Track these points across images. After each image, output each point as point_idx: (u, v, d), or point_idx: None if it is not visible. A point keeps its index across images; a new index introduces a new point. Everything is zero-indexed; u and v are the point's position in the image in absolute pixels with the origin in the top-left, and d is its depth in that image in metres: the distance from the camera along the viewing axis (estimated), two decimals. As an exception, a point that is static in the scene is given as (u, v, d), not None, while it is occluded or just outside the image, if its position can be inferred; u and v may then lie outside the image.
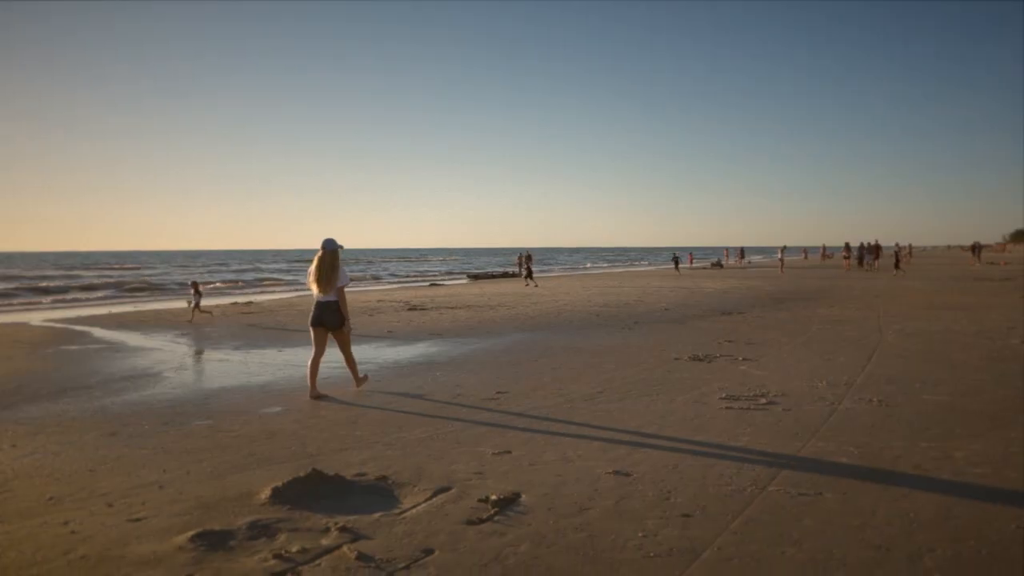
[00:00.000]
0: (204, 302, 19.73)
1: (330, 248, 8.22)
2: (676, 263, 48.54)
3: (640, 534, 4.01)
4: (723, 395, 7.65)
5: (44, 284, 41.93)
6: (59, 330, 16.40)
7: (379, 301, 23.27)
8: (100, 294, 35.05)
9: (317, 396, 8.06)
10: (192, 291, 19.07)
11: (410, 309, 19.77)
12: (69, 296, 33.75)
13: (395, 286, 38.40)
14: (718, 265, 58.20)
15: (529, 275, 33.51)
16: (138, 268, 72.01)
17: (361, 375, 8.65)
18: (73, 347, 13.22)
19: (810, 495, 4.59)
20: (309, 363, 8.24)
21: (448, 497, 4.67)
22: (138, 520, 4.36)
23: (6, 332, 16.10)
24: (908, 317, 15.35)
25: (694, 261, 65.72)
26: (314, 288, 8.22)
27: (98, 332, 15.83)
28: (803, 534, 3.98)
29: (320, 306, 8.20)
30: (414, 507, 4.51)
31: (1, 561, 3.81)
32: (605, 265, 72.61)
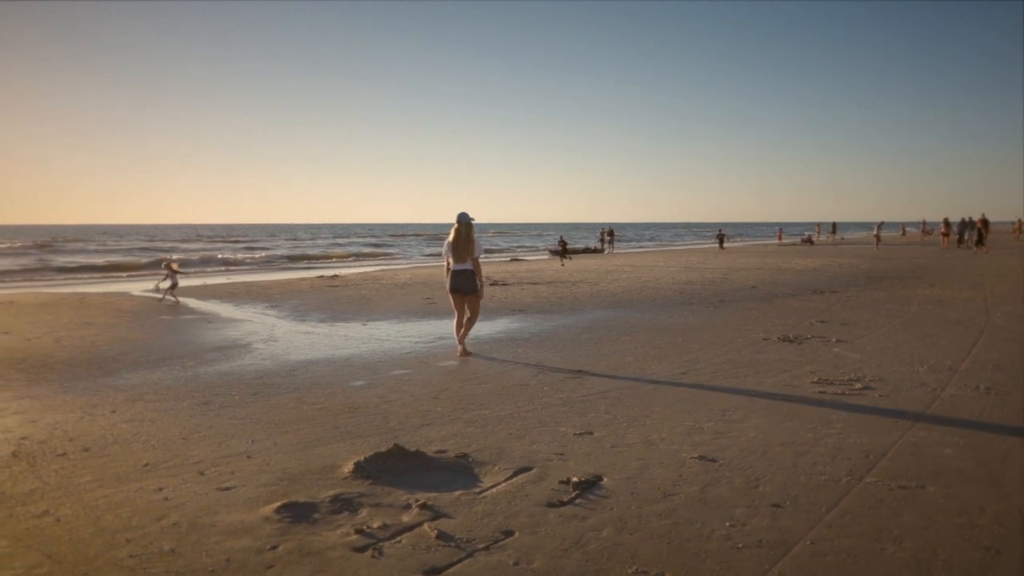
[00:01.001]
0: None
1: (464, 221, 9.04)
2: (721, 240, 46.41)
3: (727, 523, 3.86)
4: (815, 379, 7.34)
5: (129, 259, 43.91)
6: (157, 300, 17.10)
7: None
8: (192, 269, 36.48)
9: (464, 354, 8.98)
10: (167, 270, 17.36)
11: (491, 284, 19.81)
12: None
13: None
14: (808, 241, 56.30)
15: (564, 253, 32.42)
16: (235, 241, 74.60)
17: (468, 350, 9.24)
18: (169, 317, 13.77)
19: (911, 488, 4.33)
20: (453, 324, 9.40)
21: (528, 477, 4.61)
22: (227, 489, 4.47)
23: (110, 301, 16.89)
24: (1018, 298, 14.45)
25: (783, 237, 63.76)
26: (452, 258, 9.03)
27: (193, 303, 16.45)
28: (904, 531, 3.75)
29: (456, 274, 9.05)
30: (494, 486, 4.47)
31: (100, 524, 3.96)
32: (650, 244, 70.63)
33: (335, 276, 24.70)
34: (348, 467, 4.74)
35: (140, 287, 22.16)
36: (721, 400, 6.56)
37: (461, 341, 9.13)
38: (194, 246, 62.16)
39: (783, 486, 4.40)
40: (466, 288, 9.01)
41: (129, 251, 53.15)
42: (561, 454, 5.07)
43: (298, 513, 4.05)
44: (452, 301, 9.23)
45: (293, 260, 41.77)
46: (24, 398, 7.10)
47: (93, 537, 3.79)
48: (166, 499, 4.33)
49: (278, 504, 4.15)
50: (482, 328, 11.53)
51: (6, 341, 10.69)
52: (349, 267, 34.62)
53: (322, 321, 12.93)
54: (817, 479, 4.51)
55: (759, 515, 3.97)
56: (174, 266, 17.68)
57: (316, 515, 4.04)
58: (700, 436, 5.45)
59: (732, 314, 12.83)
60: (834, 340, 9.70)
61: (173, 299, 16.71)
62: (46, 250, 53.63)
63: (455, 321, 9.26)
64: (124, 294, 19.41)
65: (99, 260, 39.77)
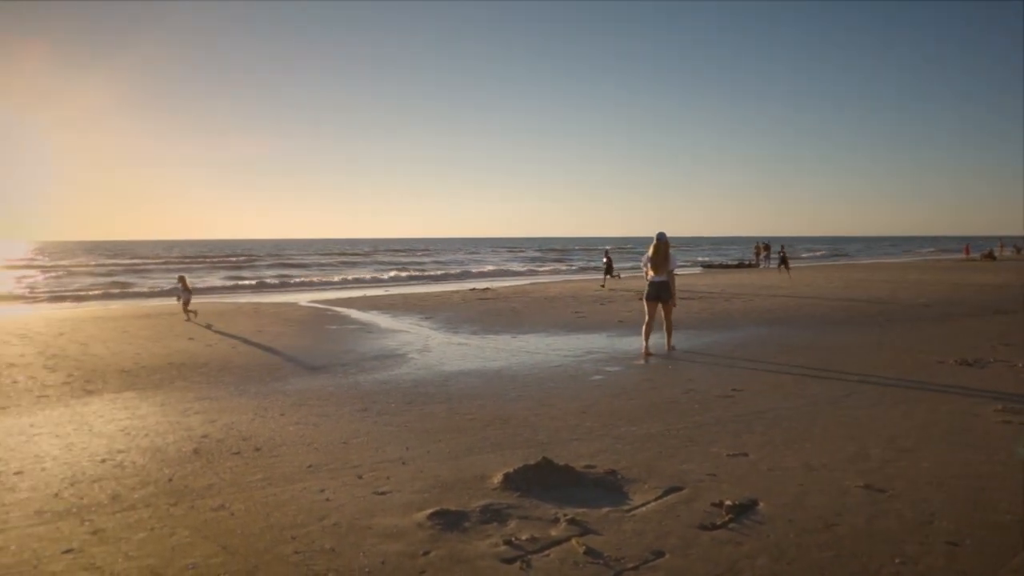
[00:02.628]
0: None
1: (663, 239, 10.25)
2: (784, 261, 31.91)
3: (897, 560, 3.58)
4: (999, 406, 6.71)
5: (299, 275, 46.70)
6: (321, 311, 18.13)
7: (611, 290, 23.28)
8: (336, 278, 38.38)
9: (647, 354, 10.09)
10: (180, 287, 17.07)
11: (640, 299, 19.56)
12: (331, 279, 37.36)
13: (627, 275, 38.27)
14: (990, 257, 51.75)
15: (608, 271, 26.50)
16: (411, 255, 78.05)
17: (672, 345, 10.61)
18: (333, 327, 14.56)
19: (1117, 534, 3.85)
20: (643, 328, 10.37)
21: (679, 498, 4.49)
22: (383, 493, 4.64)
23: (279, 311, 18.08)
24: None
25: (971, 252, 58.85)
26: (649, 270, 10.35)
27: (354, 314, 17.30)
28: (1109, 581, 3.34)
29: (654, 285, 10.34)
30: (644, 505, 4.38)
31: (269, 520, 4.22)
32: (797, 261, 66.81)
33: (486, 289, 25.23)
34: (498, 478, 4.80)
35: (307, 298, 23.59)
36: (889, 426, 6.13)
37: (647, 339, 10.30)
38: (383, 258, 65.83)
39: (962, 522, 4.04)
40: (663, 297, 10.26)
41: (299, 265, 56.78)
42: (713, 475, 4.90)
43: (449, 521, 4.14)
44: (647, 307, 10.41)
45: (464, 277, 43.01)
46: (205, 399, 7.70)
47: (262, 532, 4.05)
48: (327, 500, 4.55)
49: (430, 511, 4.26)
50: (633, 343, 11.39)
51: (190, 346, 11.67)
52: (503, 280, 35.27)
53: (474, 333, 13.23)
54: (1002, 518, 4.11)
55: (933, 553, 3.66)
56: (186, 282, 17.31)
57: (466, 524, 4.11)
58: (866, 463, 5.11)
59: (901, 334, 11.99)
60: (1021, 365, 8.84)
61: (193, 312, 16.31)
62: (227, 265, 58.28)
63: (645, 325, 10.36)
64: (292, 304, 20.71)
65: (281, 273, 42.72)
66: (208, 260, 64.55)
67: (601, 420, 6.51)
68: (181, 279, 17.47)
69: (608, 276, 26.71)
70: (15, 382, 8.77)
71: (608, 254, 28.10)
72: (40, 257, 77.33)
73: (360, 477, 4.99)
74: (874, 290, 21.74)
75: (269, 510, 4.39)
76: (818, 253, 75.87)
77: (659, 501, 4.44)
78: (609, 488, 4.72)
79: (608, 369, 9.14)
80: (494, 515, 4.22)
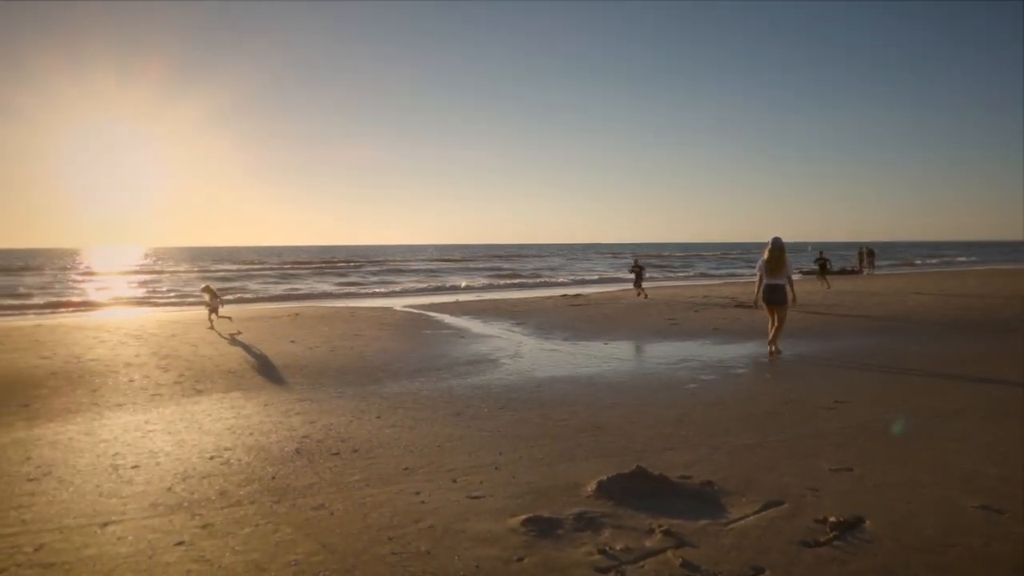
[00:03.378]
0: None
1: (779, 244, 10.72)
2: (823, 268, 28.77)
3: (1019, 586, 3.37)
4: None
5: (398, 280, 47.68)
6: (414, 315, 18.46)
7: (705, 296, 22.83)
8: (418, 284, 38.96)
9: (773, 353, 10.58)
10: (207, 296, 16.59)
11: (736, 306, 19.10)
12: (422, 285, 38.07)
13: (717, 281, 37.48)
14: None
15: (638, 281, 23.56)
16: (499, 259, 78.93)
17: (775, 349, 10.81)
18: (426, 331, 14.81)
19: None
20: (770, 330, 10.86)
21: (780, 512, 4.35)
22: (477, 498, 4.68)
23: (375, 315, 18.52)
24: None
25: None
26: (765, 274, 10.68)
27: (447, 319, 17.55)
28: None
29: (770, 288, 10.68)
30: (742, 519, 4.27)
31: (366, 520, 4.32)
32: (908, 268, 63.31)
33: (578, 295, 25.17)
34: (591, 486, 4.77)
35: (401, 302, 24.08)
36: (1005, 442, 5.77)
37: (771, 343, 10.77)
38: (477, 264, 66.86)
39: (1092, 549, 3.76)
40: (779, 299, 10.62)
41: (395, 270, 58.10)
42: (815, 490, 4.73)
43: (543, 528, 4.14)
44: (767, 311, 10.94)
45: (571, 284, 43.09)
46: (305, 400, 7.96)
47: (361, 532, 4.14)
48: (423, 503, 4.62)
49: (524, 517, 4.27)
50: (728, 351, 11.14)
51: (292, 349, 12.09)
52: (597, 286, 35.13)
53: (565, 339, 13.21)
54: None
55: (1061, 581, 3.42)
56: (213, 291, 16.67)
57: (560, 531, 4.10)
58: (981, 482, 4.83)
59: (1015, 343, 11.27)
60: None
61: (218, 319, 16.00)
62: (327, 270, 60.17)
63: (769, 327, 10.92)
64: (387, 309, 21.17)
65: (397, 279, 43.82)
66: (307, 265, 66.86)
67: (696, 430, 6.38)
68: (207, 289, 16.87)
69: (639, 287, 23.41)
70: (132, 381, 9.28)
71: (638, 262, 24.71)
72: (152, 262, 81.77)
73: (454, 481, 5.04)
74: (990, 299, 20.53)
75: (367, 511, 4.50)
76: (934, 261, 72.12)
77: (758, 515, 4.32)
78: (705, 500, 4.62)
79: (703, 378, 8.96)
80: (588, 523, 4.20)
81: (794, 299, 10.83)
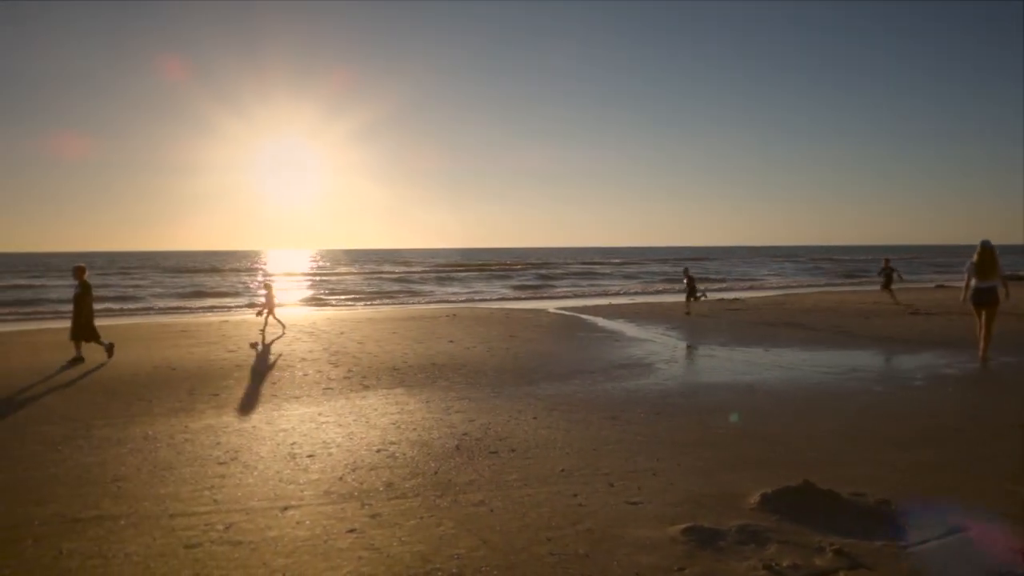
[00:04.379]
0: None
1: (989, 246, 10.56)
2: (889, 278, 22.04)
3: None
4: None
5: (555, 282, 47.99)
6: (568, 318, 18.54)
7: (875, 303, 21.47)
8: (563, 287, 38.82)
9: (983, 358, 10.44)
10: (265, 293, 15.61)
11: (911, 313, 17.84)
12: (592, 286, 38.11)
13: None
14: None
15: (691, 293, 20.99)
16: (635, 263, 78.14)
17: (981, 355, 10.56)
18: (580, 334, 14.83)
19: None
20: (979, 333, 10.67)
21: (965, 538, 4.02)
22: (635, 504, 4.63)
23: (529, 317, 18.78)
24: None
25: None
26: (975, 276, 10.56)
27: (600, 322, 17.51)
28: None
29: (980, 290, 10.53)
30: (923, 543, 3.97)
31: (525, 520, 4.39)
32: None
33: (735, 300, 24.39)
34: (754, 498, 4.60)
35: (555, 304, 24.27)
36: None
37: (982, 345, 10.59)
38: (632, 269, 66.50)
39: None
40: (989, 301, 10.47)
41: (551, 276, 58.66)
42: (1008, 516, 4.32)
43: (704, 538, 4.03)
44: (975, 312, 10.76)
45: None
46: (464, 399, 8.19)
47: (520, 531, 4.21)
48: (580, 505, 4.63)
49: (684, 526, 4.18)
50: (904, 362, 10.45)
51: (451, 348, 12.47)
52: (756, 291, 33.93)
53: (722, 345, 12.83)
54: None
55: None
56: (272, 290, 15.85)
57: (722, 543, 3.98)
58: None
59: None
60: None
61: (272, 321, 15.28)
62: (486, 272, 61.66)
63: (978, 330, 10.73)
64: (542, 311, 21.40)
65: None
66: (464, 268, 68.83)
67: (868, 444, 6.01)
68: (267, 285, 16.27)
69: (693, 299, 21.09)
70: (306, 375, 9.91)
71: (688, 272, 21.92)
72: (319, 264, 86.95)
73: (611, 485, 5.02)
74: None
75: (525, 510, 4.56)
76: None
77: (941, 540, 4.01)
78: (880, 520, 4.33)
79: (876, 389, 8.43)
80: (752, 536, 4.05)
81: (1007, 294, 10.57)
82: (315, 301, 31.72)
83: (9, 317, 23.73)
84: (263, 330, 14.75)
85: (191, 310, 26.93)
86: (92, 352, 11.60)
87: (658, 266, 71.41)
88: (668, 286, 39.96)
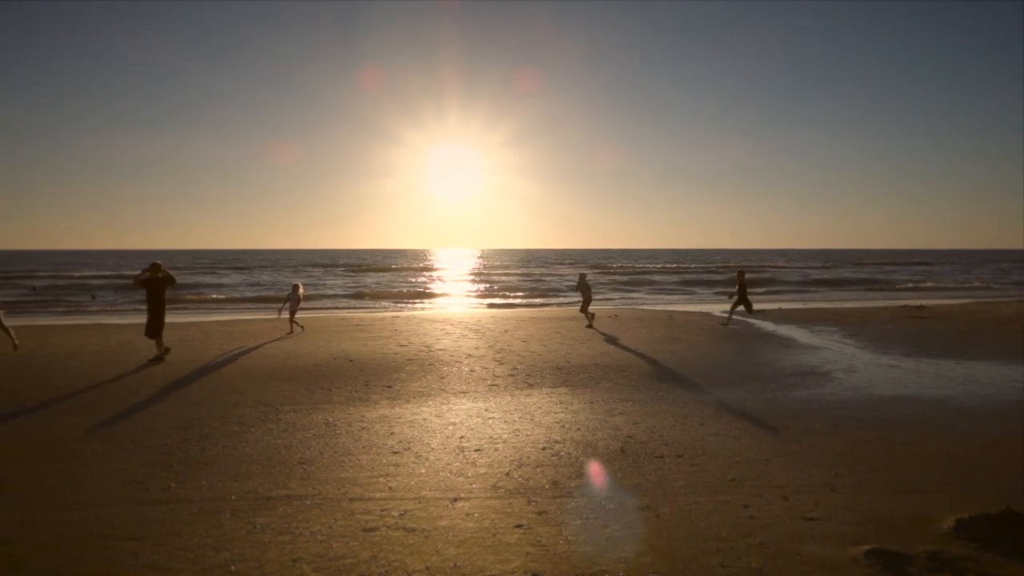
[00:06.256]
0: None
1: None
2: None
3: None
4: None
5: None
6: (735, 321, 17.90)
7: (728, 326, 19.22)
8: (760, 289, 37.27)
9: None
10: (294, 293, 15.63)
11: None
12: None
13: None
14: None
15: (743, 303, 17.01)
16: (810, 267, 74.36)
17: None
18: (748, 338, 14.30)
19: None
20: None
21: None
22: (811, 520, 4.41)
23: (692, 320, 18.33)
24: None
25: None
26: None
27: (768, 326, 16.80)
28: None
29: None
30: None
31: (693, 528, 4.29)
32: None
33: (921, 307, 22.65)
34: (948, 523, 4.26)
35: (719, 308, 23.54)
36: None
37: None
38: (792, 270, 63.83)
39: None
40: None
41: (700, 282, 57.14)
42: None
43: (890, 562, 3.78)
44: None
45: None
46: (627, 401, 8.12)
47: (688, 539, 4.12)
48: (752, 517, 4.47)
49: (867, 547, 3.93)
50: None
51: (611, 349, 12.41)
52: (942, 297, 31.40)
53: (907, 355, 11.95)
54: None
55: None
56: (299, 291, 15.87)
57: (910, 569, 3.71)
58: None
59: None
60: None
61: (299, 326, 15.46)
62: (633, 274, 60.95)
63: None
64: (706, 314, 20.83)
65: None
66: (630, 269, 68.32)
67: (1083, 472, 5.39)
68: (295, 287, 16.04)
69: (745, 309, 17.50)
70: (472, 371, 10.19)
71: (742, 275, 17.99)
72: (483, 263, 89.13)
73: (786, 498, 4.81)
74: None
75: (693, 518, 4.46)
76: None
77: None
78: (1100, 557, 3.88)
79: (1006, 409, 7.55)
80: (945, 565, 3.75)
81: None
82: (481, 297, 32.56)
83: (228, 308, 26.05)
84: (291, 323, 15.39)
85: (367, 307, 28.44)
86: (271, 344, 12.47)
87: (853, 271, 67.49)
88: (846, 294, 37.75)
